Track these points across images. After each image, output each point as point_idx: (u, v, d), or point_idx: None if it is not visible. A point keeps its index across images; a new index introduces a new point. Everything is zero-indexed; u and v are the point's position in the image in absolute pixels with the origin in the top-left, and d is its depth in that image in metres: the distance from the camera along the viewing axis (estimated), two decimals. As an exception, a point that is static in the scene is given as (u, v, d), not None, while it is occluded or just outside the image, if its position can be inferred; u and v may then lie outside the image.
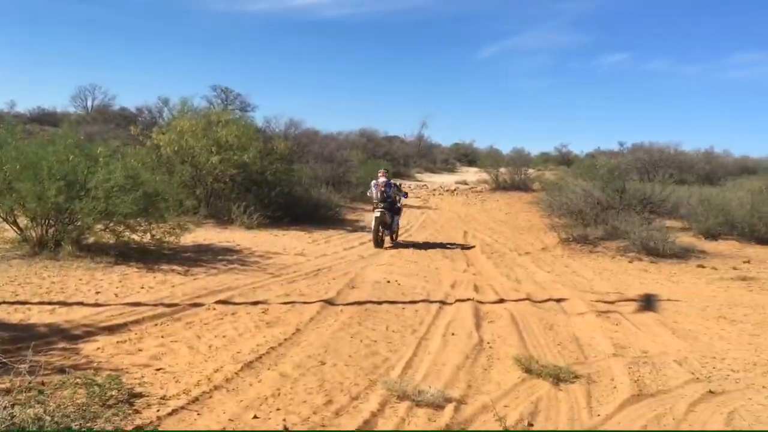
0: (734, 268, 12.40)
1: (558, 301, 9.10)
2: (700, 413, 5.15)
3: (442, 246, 14.06)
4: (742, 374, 6.20)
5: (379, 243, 13.38)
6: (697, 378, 6.01)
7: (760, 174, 27.10)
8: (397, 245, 13.67)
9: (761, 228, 15.55)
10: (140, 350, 5.71)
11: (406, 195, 14.91)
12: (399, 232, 14.77)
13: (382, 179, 14.00)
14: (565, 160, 51.73)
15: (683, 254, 13.42)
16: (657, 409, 5.18)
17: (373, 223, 13.52)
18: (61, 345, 5.69)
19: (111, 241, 9.97)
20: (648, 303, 9.24)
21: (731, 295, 10.04)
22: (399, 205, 14.40)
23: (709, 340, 7.43)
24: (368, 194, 14.27)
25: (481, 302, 8.69)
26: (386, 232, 13.76)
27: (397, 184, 14.71)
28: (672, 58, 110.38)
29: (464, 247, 14.15)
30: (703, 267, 12.48)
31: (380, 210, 13.46)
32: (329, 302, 7.99)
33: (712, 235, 15.92)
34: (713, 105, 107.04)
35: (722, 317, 8.56)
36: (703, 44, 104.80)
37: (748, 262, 13.19)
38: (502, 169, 32.24)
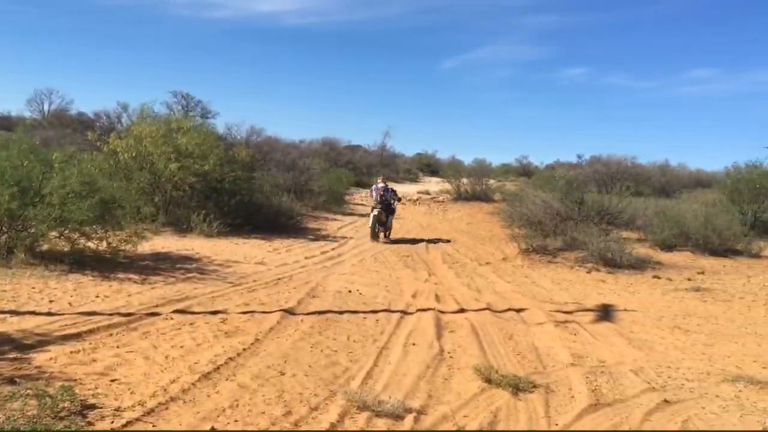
0: (689, 279, 12.68)
1: (518, 311, 9.18)
2: (656, 422, 5.23)
3: (403, 255, 14.08)
4: (696, 383, 6.32)
5: (375, 237, 15.95)
6: (653, 387, 6.12)
7: (713, 187, 27.80)
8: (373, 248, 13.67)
9: (715, 240, 15.95)
10: (94, 360, 5.56)
11: (399, 199, 17.48)
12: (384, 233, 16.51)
13: (381, 185, 16.73)
14: (525, 171, 52.52)
15: (640, 265, 13.68)
16: (614, 418, 5.25)
17: (370, 220, 16.16)
18: (11, 355, 5.51)
19: (66, 249, 9.72)
20: (605, 313, 9.38)
21: (686, 306, 10.26)
22: (393, 206, 16.82)
23: (665, 349, 7.57)
24: (368, 195, 17.53)
25: (442, 312, 8.71)
26: (381, 229, 16.30)
27: (393, 189, 17.22)
28: (629, 73, 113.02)
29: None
30: (659, 278, 12.74)
31: (378, 210, 16.10)
32: (289, 312, 7.92)
33: (667, 247, 16.28)
34: (669, 119, 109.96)
35: (677, 327, 8.74)
36: (659, 60, 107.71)
37: (702, 273, 13.51)
38: (464, 180, 32.48)
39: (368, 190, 19.12)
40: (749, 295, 11.35)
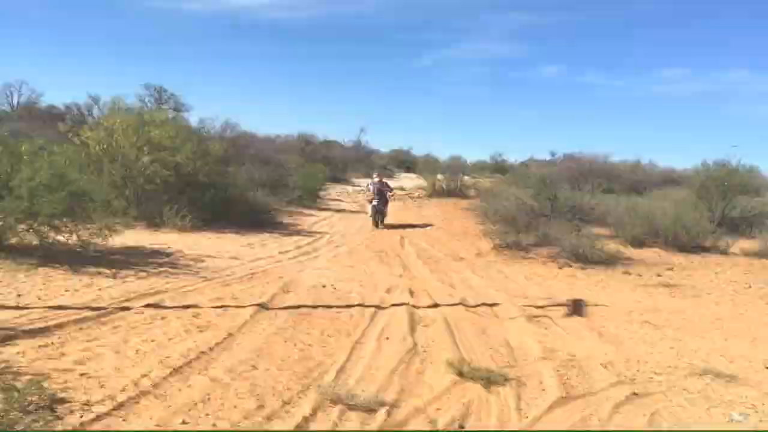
0: (658, 275, 12.88)
1: (491, 305, 9.25)
2: (625, 414, 5.32)
3: (377, 251, 14.09)
4: (664, 377, 6.43)
5: (376, 225, 18.51)
6: (622, 380, 6.21)
7: (683, 185, 28.25)
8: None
9: (684, 236, 16.19)
10: (63, 355, 5.49)
11: (392, 190, 20.35)
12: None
13: (377, 179, 19.27)
14: (500, 168, 52.76)
15: (610, 261, 13.84)
16: (584, 410, 5.33)
17: (370, 211, 18.96)
18: (-23, 350, 5.42)
19: (35, 242, 9.57)
20: (576, 308, 9.48)
21: (655, 301, 10.42)
22: (387, 197, 19.38)
23: (634, 344, 7.69)
24: (366, 189, 21.74)
25: (416, 307, 8.75)
26: (380, 218, 18.77)
27: (387, 183, 19.90)
28: (603, 72, 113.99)
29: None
30: (629, 273, 12.91)
31: (376, 201, 18.72)
32: (263, 306, 7.89)
33: (637, 243, 16.48)
34: (640, 118, 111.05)
35: (646, 322, 8.87)
36: (631, 59, 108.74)
37: (671, 269, 13.72)
38: (439, 176, 32.59)
39: (344, 189, 21.30)
40: (717, 290, 11.57)
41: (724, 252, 16.15)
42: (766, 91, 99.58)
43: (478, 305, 9.23)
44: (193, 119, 31.17)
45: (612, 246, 15.25)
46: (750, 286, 11.96)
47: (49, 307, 6.89)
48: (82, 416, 4.23)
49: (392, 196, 20.96)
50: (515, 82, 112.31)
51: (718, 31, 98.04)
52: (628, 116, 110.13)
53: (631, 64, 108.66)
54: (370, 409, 4.88)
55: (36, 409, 4.19)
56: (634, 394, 5.82)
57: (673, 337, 8.17)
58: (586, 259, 13.60)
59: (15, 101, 48.96)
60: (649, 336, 8.13)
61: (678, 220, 16.51)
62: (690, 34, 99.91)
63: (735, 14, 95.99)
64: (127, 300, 7.52)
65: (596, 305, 9.74)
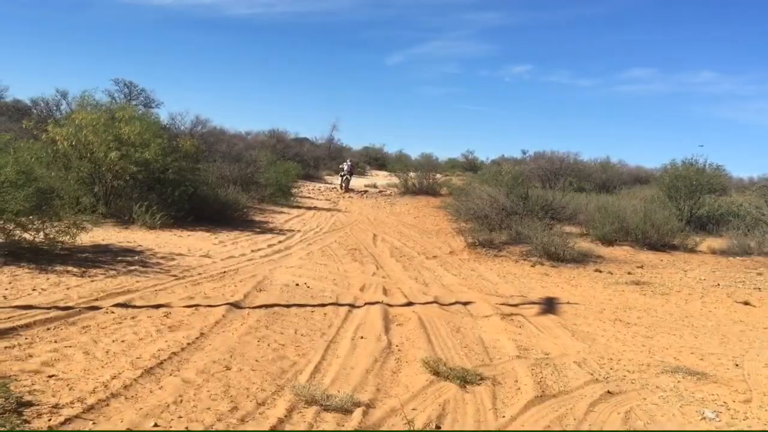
0: (629, 273, 13.03)
1: (465, 304, 9.26)
2: (599, 413, 5.34)
3: (350, 249, 14.03)
4: (637, 375, 6.49)
5: (343, 191, 30.03)
6: (596, 379, 6.25)
7: (652, 184, 28.68)
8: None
9: (653, 235, 16.43)
10: (31, 356, 5.34)
11: (356, 164, 33.62)
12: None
13: (350, 162, 33.03)
14: (471, 166, 52.99)
15: (582, 259, 13.98)
16: (559, 409, 5.34)
17: (340, 181, 31.70)
18: (-61, 351, 5.25)
19: (0, 240, 9.33)
20: (549, 306, 9.55)
21: (626, 299, 10.53)
22: (353, 173, 32.68)
23: (606, 341, 7.75)
24: (340, 167, 32.64)
25: (390, 305, 8.72)
26: (346, 184, 31.09)
27: (355, 163, 33.06)
28: (571, 71, 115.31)
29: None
30: (600, 272, 13.04)
31: (345, 176, 31.40)
32: (236, 305, 7.79)
33: (608, 241, 16.68)
34: (609, 117, 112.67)
35: (618, 320, 8.96)
36: (600, 59, 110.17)
37: (642, 267, 13.90)
38: (411, 174, 32.63)
39: (317, 186, 24.89)
40: (686, 288, 11.73)
41: (693, 250, 16.44)
42: (731, 91, 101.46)
43: (452, 303, 9.23)
44: (163, 114, 30.74)
45: (583, 244, 15.43)
46: (718, 285, 12.15)
47: (16, 307, 6.70)
48: (50, 419, 4.12)
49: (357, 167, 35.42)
50: (486, 81, 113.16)
51: (683, 32, 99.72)
52: (597, 115, 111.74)
53: (599, 64, 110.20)
54: (345, 410, 4.83)
55: (2, 413, 4.07)
56: (609, 392, 5.86)
57: (644, 334, 8.26)
58: (558, 257, 13.71)
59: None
60: (621, 334, 8.20)
61: (647, 218, 16.76)
62: (657, 34, 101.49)
63: (701, 16, 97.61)
64: (96, 299, 7.35)
65: (568, 303, 9.81)
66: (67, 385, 4.77)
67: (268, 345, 6.42)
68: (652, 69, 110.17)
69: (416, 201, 27.51)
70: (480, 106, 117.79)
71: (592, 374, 6.38)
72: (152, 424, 4.27)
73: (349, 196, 28.94)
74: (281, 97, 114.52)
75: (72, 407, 4.35)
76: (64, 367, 5.17)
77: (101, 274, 8.75)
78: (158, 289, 8.26)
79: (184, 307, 7.49)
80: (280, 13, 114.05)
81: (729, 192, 27.22)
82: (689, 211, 20.61)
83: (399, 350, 6.71)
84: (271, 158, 27.77)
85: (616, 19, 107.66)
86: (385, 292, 9.60)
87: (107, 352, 5.67)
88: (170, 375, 5.24)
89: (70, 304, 7.05)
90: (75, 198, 10.43)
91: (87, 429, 4.09)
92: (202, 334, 6.48)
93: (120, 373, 5.10)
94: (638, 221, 16.74)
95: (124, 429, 4.15)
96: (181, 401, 4.72)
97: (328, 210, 22.36)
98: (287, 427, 4.49)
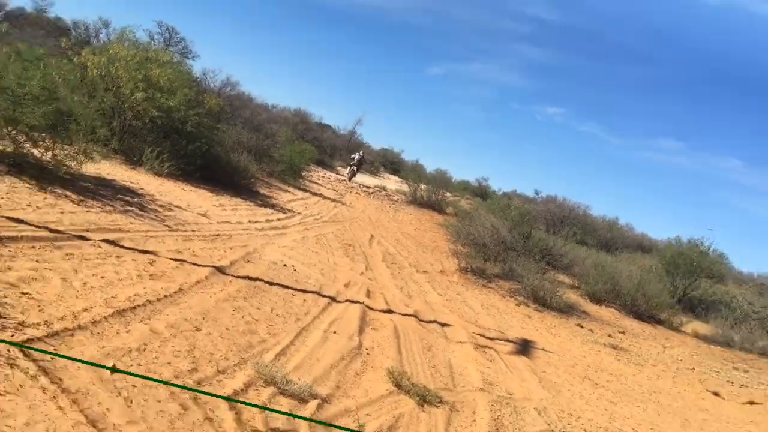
0: (609, 335, 13.02)
1: (442, 325, 9.26)
2: (546, 463, 5.34)
3: (345, 243, 14.04)
4: (592, 436, 6.49)
5: (350, 178, 31.80)
6: (552, 429, 6.25)
7: (653, 254, 28.64)
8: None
9: (642, 304, 16.43)
10: (10, 269, 5.35)
11: (364, 159, 34.75)
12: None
13: (361, 153, 34.43)
14: (482, 192, 52.87)
15: (567, 310, 13.97)
16: (508, 450, 5.34)
17: (349, 169, 33.35)
18: None
19: (8, 150, 9.34)
20: (524, 348, 9.55)
21: (600, 360, 10.52)
22: (362, 163, 33.65)
23: (571, 396, 7.75)
24: (351, 157, 34.23)
25: (370, 308, 8.72)
26: (352, 174, 32.66)
27: (367, 159, 34.72)
28: (604, 126, 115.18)
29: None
30: (582, 327, 13.03)
31: (354, 165, 33.01)
32: (220, 270, 7.79)
33: (597, 299, 16.68)
34: (628, 178, 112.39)
35: (587, 378, 8.95)
36: (634, 120, 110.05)
37: (623, 332, 13.89)
38: (423, 186, 32.60)
39: (328, 174, 24.59)
40: (661, 364, 11.72)
41: (677, 329, 16.42)
42: (754, 184, 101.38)
43: (430, 321, 9.23)
44: (197, 67, 30.73)
45: (572, 296, 15.43)
46: (693, 369, 12.13)
47: (7, 218, 6.71)
48: (13, 335, 4.12)
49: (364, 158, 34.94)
50: (517, 114, 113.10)
51: (721, 117, 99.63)
52: (617, 174, 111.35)
53: (631, 125, 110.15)
54: (301, 399, 4.84)
55: (-32, 317, 4.08)
56: (560, 446, 5.86)
57: (609, 399, 8.25)
58: (544, 302, 13.71)
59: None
60: (587, 392, 8.20)
61: (641, 287, 16.76)
62: (695, 112, 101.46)
63: (738, 105, 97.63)
64: (87, 230, 7.36)
65: (543, 350, 9.81)
66: (38, 306, 4.78)
67: (242, 317, 6.42)
68: (681, 143, 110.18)
69: (421, 213, 27.49)
70: (505, 137, 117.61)
71: (549, 425, 6.37)
72: (111, 364, 4.27)
73: (351, 186, 29.65)
74: (315, 79, 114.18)
75: (37, 328, 4.35)
76: (40, 288, 5.18)
77: (98, 207, 8.77)
78: (149, 235, 8.27)
79: (170, 259, 7.49)
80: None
81: (726, 281, 27.14)
82: (683, 289, 20.57)
83: (368, 354, 6.71)
84: (290, 136, 27.78)
85: (660, 85, 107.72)
86: (368, 294, 9.60)
87: (85, 284, 5.67)
88: (140, 322, 5.24)
89: (60, 228, 7.06)
90: (91, 127, 10.41)
91: (48, 351, 4.09)
92: (180, 289, 6.48)
93: (92, 308, 5.10)
94: (631, 287, 16.74)
95: (84, 360, 4.15)
96: (145, 350, 4.72)
97: (333, 200, 22.37)
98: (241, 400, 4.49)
